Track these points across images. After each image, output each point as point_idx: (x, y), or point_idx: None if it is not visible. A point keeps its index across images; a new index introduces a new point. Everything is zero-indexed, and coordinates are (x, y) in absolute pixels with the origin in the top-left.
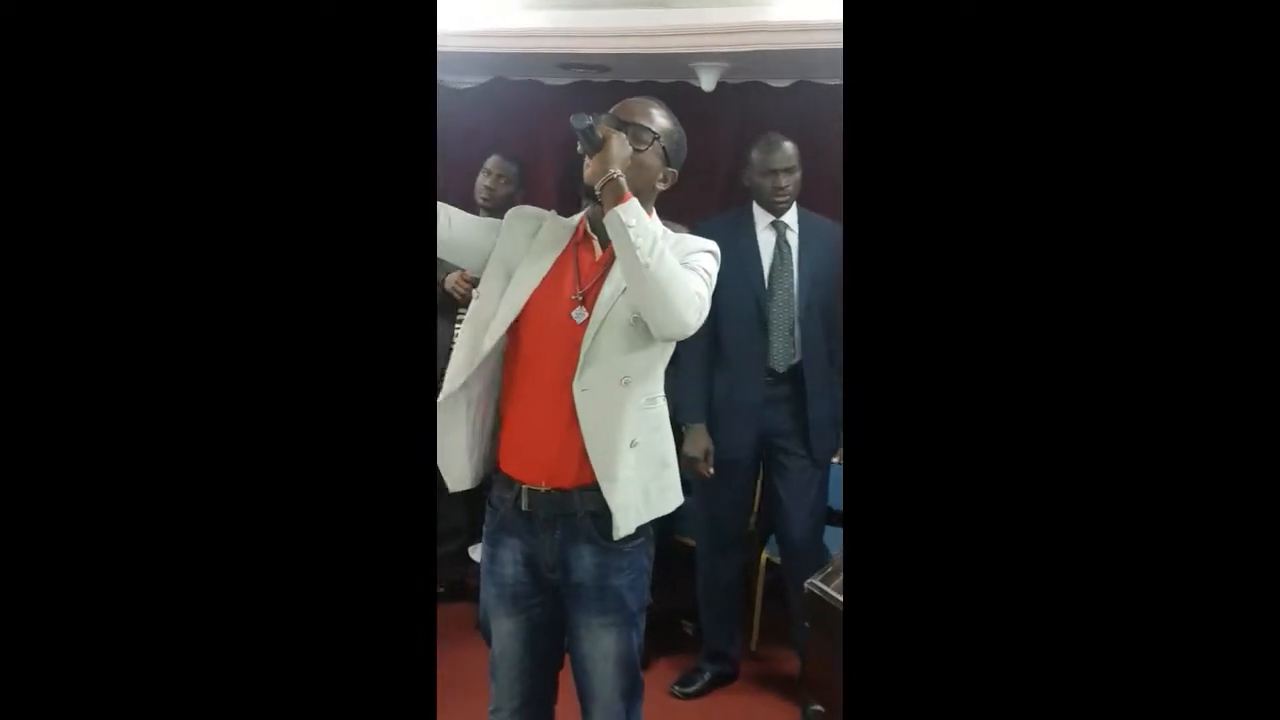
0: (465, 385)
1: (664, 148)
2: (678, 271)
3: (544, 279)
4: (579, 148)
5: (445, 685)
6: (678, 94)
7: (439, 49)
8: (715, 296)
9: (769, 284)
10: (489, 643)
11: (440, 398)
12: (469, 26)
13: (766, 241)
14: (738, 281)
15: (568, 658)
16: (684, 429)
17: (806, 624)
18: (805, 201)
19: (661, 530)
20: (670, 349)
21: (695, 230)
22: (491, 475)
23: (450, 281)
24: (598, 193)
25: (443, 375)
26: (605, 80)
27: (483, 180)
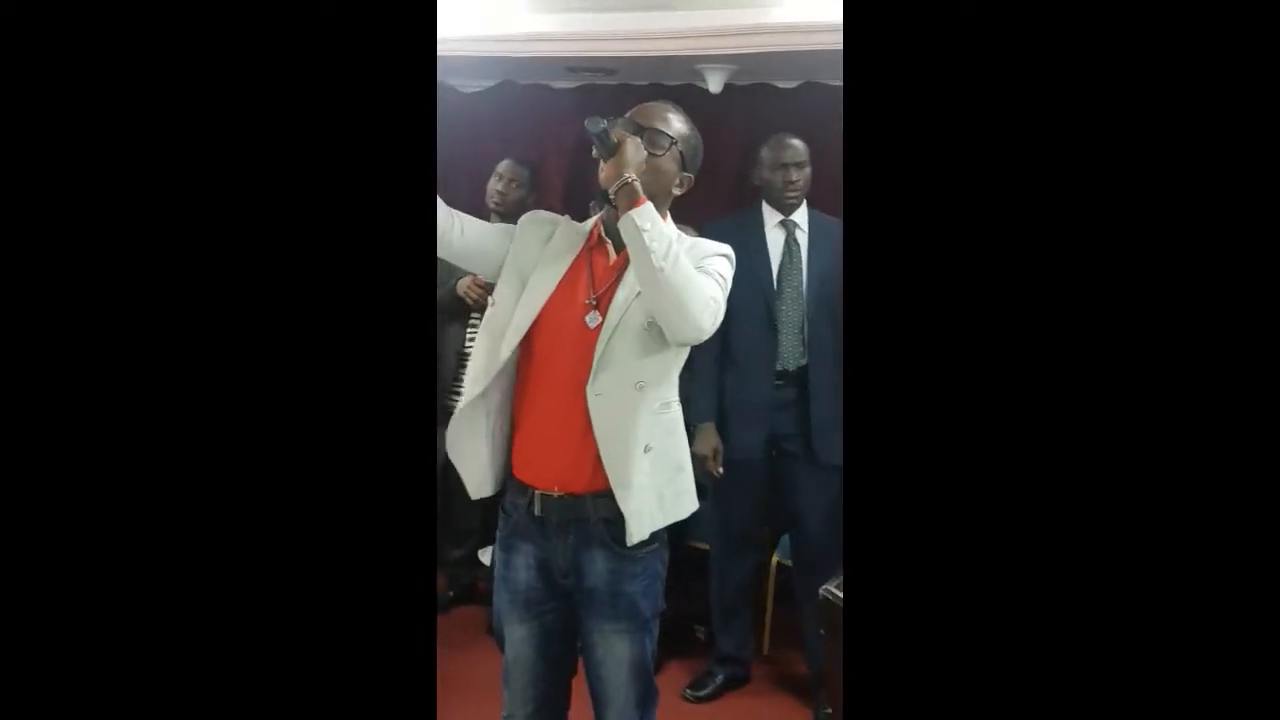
0: (485, 395)
1: (681, 152)
2: (692, 276)
3: (558, 284)
4: (594, 151)
5: (456, 689)
6: (685, 96)
7: (446, 53)
8: None
9: (778, 283)
10: (502, 648)
11: (459, 405)
12: (476, 31)
13: (775, 241)
14: (746, 281)
15: (581, 664)
16: (693, 428)
17: (821, 630)
18: (812, 202)
19: (675, 535)
20: (685, 353)
21: (703, 231)
22: (506, 480)
23: (462, 286)
24: (612, 197)
25: (446, 380)
26: (612, 83)
27: (494, 184)
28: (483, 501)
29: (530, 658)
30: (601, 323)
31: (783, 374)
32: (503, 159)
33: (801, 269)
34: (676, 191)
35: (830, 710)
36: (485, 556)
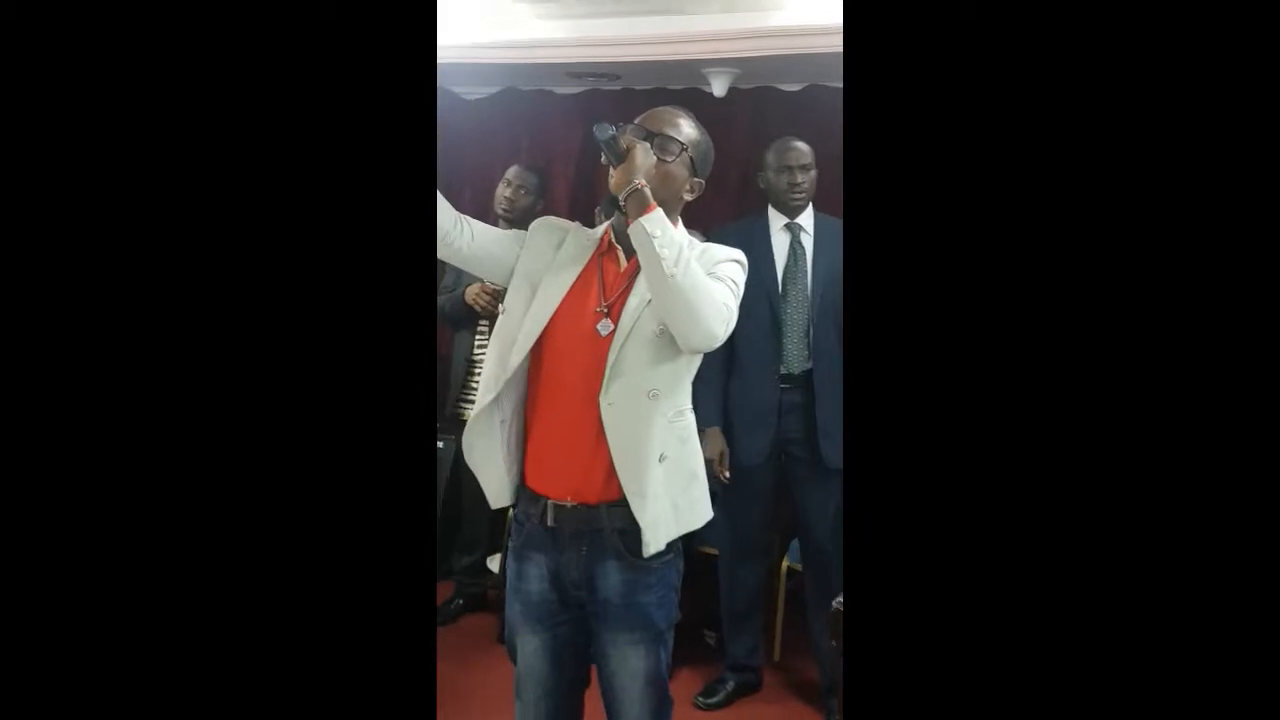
0: (497, 403)
1: (691, 158)
2: (704, 282)
3: (569, 292)
4: (603, 158)
5: (465, 700)
6: (689, 100)
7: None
8: None
9: (783, 286)
10: (514, 660)
11: (472, 414)
12: (478, 37)
13: (780, 244)
14: (751, 284)
15: (595, 676)
16: (698, 432)
17: (834, 642)
18: (818, 204)
19: (684, 541)
20: (697, 361)
21: (710, 237)
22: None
23: (471, 294)
24: (622, 203)
25: (456, 388)
26: (616, 89)
27: (502, 191)
28: (490, 509)
29: (543, 670)
30: (613, 331)
31: (788, 377)
32: (507, 165)
33: (806, 272)
34: (687, 197)
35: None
36: (494, 564)
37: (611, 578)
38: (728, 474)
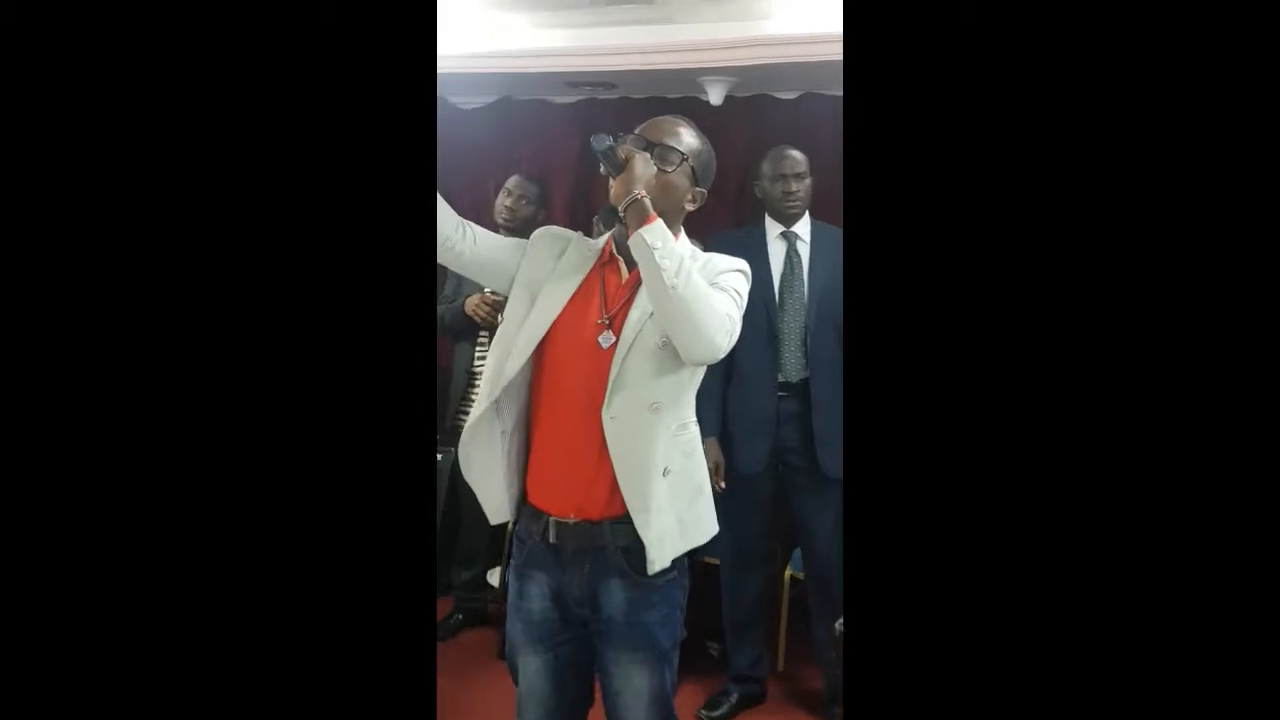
0: (497, 414)
1: (692, 168)
2: (706, 293)
3: (569, 302)
4: (601, 169)
5: (464, 714)
6: (686, 109)
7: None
8: None
9: (779, 295)
10: (515, 679)
11: (468, 423)
12: (474, 47)
13: (777, 252)
14: (749, 292)
15: (599, 695)
16: None
17: (838, 670)
18: (814, 212)
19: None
20: (700, 373)
21: (708, 246)
22: (519, 507)
23: (471, 305)
24: (622, 214)
25: (456, 400)
26: (612, 98)
27: (503, 200)
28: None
29: (545, 690)
30: (615, 343)
31: (786, 385)
32: (504, 175)
33: (803, 280)
34: (689, 207)
35: None
36: (494, 578)
37: (615, 596)
38: (723, 484)
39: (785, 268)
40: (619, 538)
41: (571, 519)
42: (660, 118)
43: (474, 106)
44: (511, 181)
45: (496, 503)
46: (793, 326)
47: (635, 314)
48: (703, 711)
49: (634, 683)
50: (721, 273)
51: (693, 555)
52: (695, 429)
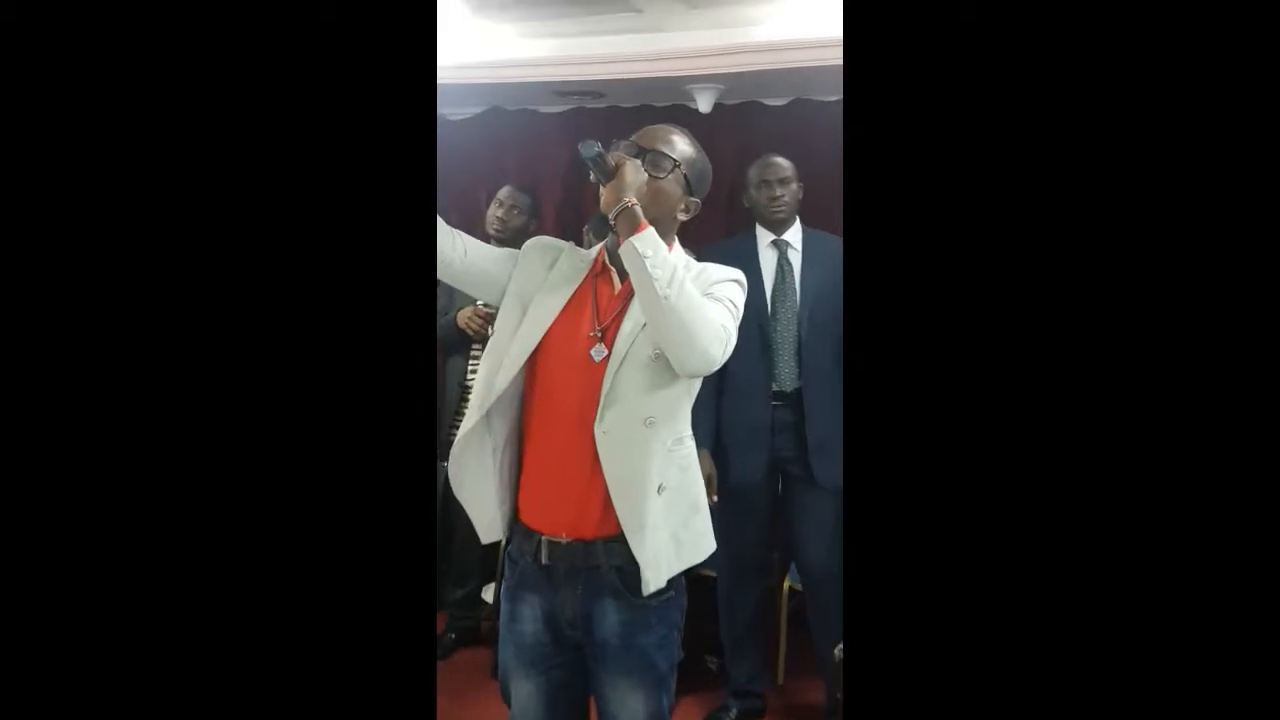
0: (488, 429)
1: (685, 175)
2: (699, 303)
3: (561, 314)
4: (591, 177)
5: None
6: (675, 117)
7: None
8: None
9: (771, 304)
10: (508, 703)
11: (457, 438)
12: (462, 57)
13: (768, 261)
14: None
15: (594, 717)
16: None
17: (839, 695)
18: (805, 219)
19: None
20: (696, 385)
21: (701, 256)
22: (512, 525)
23: (463, 318)
24: (612, 222)
25: (448, 413)
26: (601, 106)
27: (494, 211)
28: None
29: (537, 715)
30: (607, 356)
31: (779, 395)
32: (493, 186)
33: (795, 288)
34: (682, 217)
35: None
36: (488, 594)
37: (609, 618)
38: (715, 498)
39: (777, 276)
40: (613, 557)
41: (564, 538)
42: (655, 125)
43: (462, 117)
44: (503, 192)
45: (488, 520)
46: (785, 335)
47: (628, 326)
48: None
49: (629, 707)
50: (716, 283)
51: (690, 568)
52: (691, 444)
